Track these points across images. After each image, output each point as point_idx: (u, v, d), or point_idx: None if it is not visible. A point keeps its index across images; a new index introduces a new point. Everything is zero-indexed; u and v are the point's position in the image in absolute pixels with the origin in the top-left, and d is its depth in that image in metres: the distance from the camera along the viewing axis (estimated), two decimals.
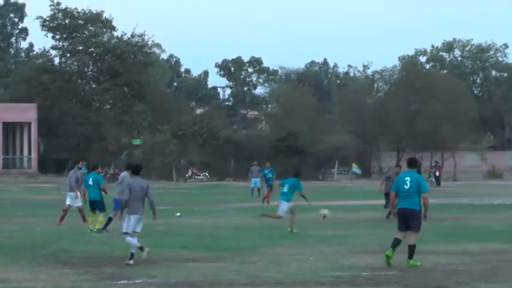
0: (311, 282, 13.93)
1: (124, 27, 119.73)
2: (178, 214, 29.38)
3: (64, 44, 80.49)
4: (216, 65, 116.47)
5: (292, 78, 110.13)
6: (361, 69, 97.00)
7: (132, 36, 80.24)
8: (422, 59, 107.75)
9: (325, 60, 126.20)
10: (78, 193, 25.40)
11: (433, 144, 79.17)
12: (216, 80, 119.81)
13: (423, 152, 78.89)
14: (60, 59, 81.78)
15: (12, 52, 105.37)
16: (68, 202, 25.87)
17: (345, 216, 25.49)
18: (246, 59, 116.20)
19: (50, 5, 79.41)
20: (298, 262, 16.45)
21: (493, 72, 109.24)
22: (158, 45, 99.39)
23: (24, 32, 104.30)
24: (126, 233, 16.52)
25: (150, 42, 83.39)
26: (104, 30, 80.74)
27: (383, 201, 28.86)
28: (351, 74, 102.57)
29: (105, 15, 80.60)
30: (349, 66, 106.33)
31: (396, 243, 15.78)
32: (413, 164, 16.46)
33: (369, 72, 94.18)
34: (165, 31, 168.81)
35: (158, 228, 23.56)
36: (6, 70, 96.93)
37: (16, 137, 77.91)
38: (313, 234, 22.19)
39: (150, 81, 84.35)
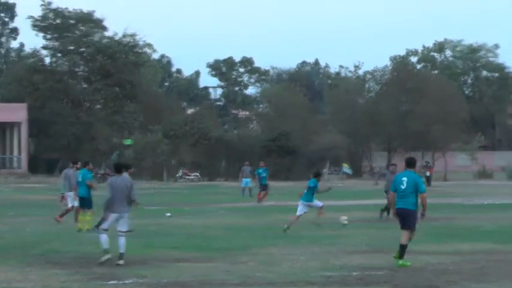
0: (302, 282, 13.93)
1: (116, 27, 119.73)
2: (168, 214, 29.33)
3: (55, 43, 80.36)
4: (208, 65, 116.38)
5: (284, 78, 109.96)
6: (352, 69, 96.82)
7: (124, 36, 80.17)
8: (414, 59, 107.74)
9: (316, 60, 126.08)
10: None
11: (424, 144, 79.38)
12: (207, 80, 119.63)
13: (414, 152, 78.98)
14: (51, 58, 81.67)
15: (3, 52, 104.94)
16: (70, 203, 25.87)
17: (336, 217, 25.50)
18: (237, 59, 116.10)
19: (41, 5, 79.38)
20: (289, 262, 16.44)
21: (484, 73, 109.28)
22: (150, 45, 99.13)
23: (15, 31, 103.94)
24: (105, 230, 16.45)
25: (141, 42, 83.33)
26: (95, 30, 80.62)
27: (373, 201, 28.92)
28: (342, 74, 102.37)
29: (97, 15, 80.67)
30: (341, 66, 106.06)
31: (403, 249, 15.79)
32: (411, 164, 16.37)
33: (360, 72, 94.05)
34: (157, 31, 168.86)
35: (149, 229, 23.54)
36: None
37: (6, 137, 77.56)
38: (305, 234, 22.18)
39: (142, 81, 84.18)
